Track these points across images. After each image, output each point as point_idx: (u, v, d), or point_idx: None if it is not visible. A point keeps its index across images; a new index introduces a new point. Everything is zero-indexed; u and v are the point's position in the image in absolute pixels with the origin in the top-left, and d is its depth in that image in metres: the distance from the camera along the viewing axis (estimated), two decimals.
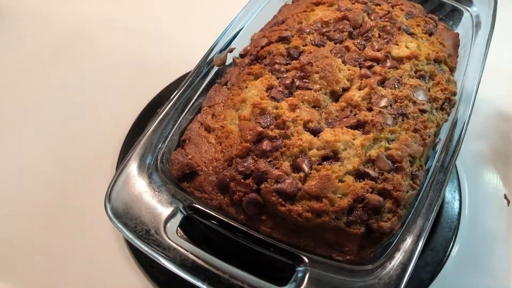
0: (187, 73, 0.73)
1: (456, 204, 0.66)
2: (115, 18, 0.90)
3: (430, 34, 0.60)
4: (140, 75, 0.80)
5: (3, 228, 0.62)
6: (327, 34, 0.57)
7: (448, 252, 0.61)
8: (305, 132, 0.49)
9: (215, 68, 0.58)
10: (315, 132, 0.49)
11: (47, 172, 0.68)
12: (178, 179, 0.49)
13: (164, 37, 0.87)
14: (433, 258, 0.61)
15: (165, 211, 0.44)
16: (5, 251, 0.60)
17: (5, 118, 0.74)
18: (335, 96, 0.53)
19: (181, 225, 0.43)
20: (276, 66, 0.54)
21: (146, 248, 0.42)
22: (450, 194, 0.67)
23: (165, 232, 0.42)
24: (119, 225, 0.42)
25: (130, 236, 0.42)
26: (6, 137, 0.72)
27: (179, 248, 0.41)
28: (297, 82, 0.52)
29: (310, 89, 0.52)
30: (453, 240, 0.63)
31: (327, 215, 0.44)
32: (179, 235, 0.43)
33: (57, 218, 0.63)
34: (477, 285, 0.61)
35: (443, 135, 0.53)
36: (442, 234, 0.63)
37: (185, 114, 0.54)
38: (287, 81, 0.52)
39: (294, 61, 0.54)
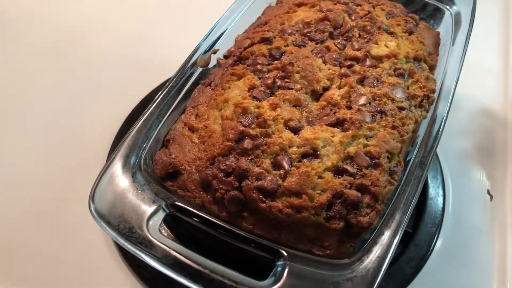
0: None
1: (440, 200, 0.67)
2: (105, 20, 0.91)
3: (410, 33, 0.61)
4: (130, 77, 0.81)
5: None
6: (308, 34, 0.58)
7: (431, 247, 0.63)
8: (286, 130, 0.50)
9: (199, 69, 0.59)
10: (296, 130, 0.50)
11: (36, 172, 0.68)
12: (161, 178, 0.50)
13: (154, 39, 0.88)
14: (417, 254, 0.62)
15: (148, 209, 0.45)
16: None
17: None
18: (315, 95, 0.54)
19: (166, 223, 0.44)
20: (258, 67, 0.55)
21: (129, 246, 0.43)
22: (433, 190, 0.68)
23: (147, 230, 0.43)
24: (102, 223, 0.43)
25: (113, 234, 0.43)
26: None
27: (161, 245, 0.42)
28: (279, 82, 0.53)
29: (291, 89, 0.53)
30: (436, 235, 0.64)
31: (307, 210, 0.45)
32: (164, 233, 0.44)
33: (47, 219, 0.64)
34: (460, 279, 0.62)
35: (422, 131, 0.54)
36: (426, 230, 0.64)
37: (169, 115, 0.54)
38: (269, 81, 0.53)
39: (276, 62, 0.55)
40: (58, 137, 0.73)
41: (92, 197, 0.45)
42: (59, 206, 0.65)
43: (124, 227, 0.43)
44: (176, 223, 0.57)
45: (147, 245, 0.42)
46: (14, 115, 0.76)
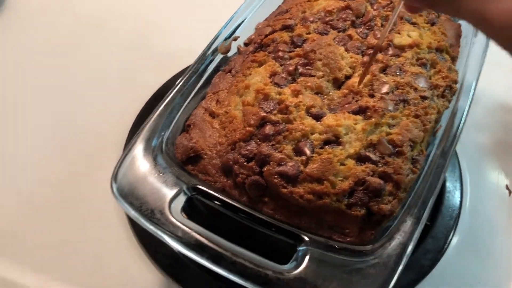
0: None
1: (457, 194, 0.67)
2: (119, 9, 0.91)
3: (432, 24, 0.61)
4: (147, 65, 0.81)
5: (13, 215, 0.63)
6: (330, 23, 0.58)
7: (449, 240, 0.62)
8: (308, 117, 0.50)
9: (220, 56, 0.59)
10: (318, 117, 0.50)
11: (55, 160, 0.69)
12: (182, 162, 0.50)
13: (170, 28, 0.88)
14: (434, 246, 0.61)
15: (169, 191, 0.45)
16: (14, 237, 0.62)
17: (14, 108, 0.75)
18: (337, 84, 0.54)
19: (184, 207, 0.44)
20: (280, 54, 0.55)
21: (151, 227, 0.43)
22: (451, 183, 0.67)
23: (170, 212, 0.43)
24: (124, 203, 0.43)
25: (136, 215, 0.43)
26: (16, 127, 0.73)
27: (183, 226, 0.42)
28: (300, 69, 0.53)
29: (313, 76, 0.52)
30: (454, 228, 0.63)
31: (328, 197, 0.45)
32: (183, 215, 0.44)
33: (64, 205, 0.64)
34: (477, 273, 0.62)
35: (444, 122, 0.53)
36: (443, 223, 0.63)
37: (190, 100, 0.54)
38: (290, 68, 0.53)
39: (298, 49, 0.55)
40: (76, 125, 0.73)
41: (114, 178, 0.45)
42: (75, 193, 0.65)
43: (146, 209, 0.43)
44: (192, 210, 0.57)
45: (169, 227, 0.42)
46: (34, 103, 0.76)
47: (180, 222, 0.43)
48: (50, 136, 0.72)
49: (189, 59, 0.76)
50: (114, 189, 0.44)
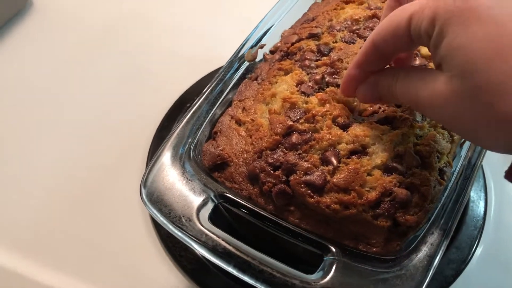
0: (216, 69, 0.75)
1: (482, 203, 0.66)
2: (145, 12, 0.93)
3: None
4: (171, 70, 0.82)
5: (39, 216, 0.65)
6: (357, 31, 0.58)
7: (473, 251, 0.62)
8: (334, 126, 0.50)
9: (246, 64, 0.59)
10: (344, 127, 0.50)
11: (81, 163, 0.70)
12: (209, 169, 0.51)
13: (194, 32, 0.89)
14: (458, 256, 0.61)
15: (197, 199, 0.46)
16: (40, 238, 0.63)
17: (41, 112, 0.77)
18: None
19: (210, 214, 0.45)
20: (307, 62, 0.55)
21: (179, 234, 0.43)
22: (475, 193, 0.67)
23: (198, 219, 0.44)
24: (153, 210, 0.44)
25: (164, 221, 0.44)
26: (43, 131, 0.75)
27: (210, 234, 0.43)
28: (327, 78, 0.53)
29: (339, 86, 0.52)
30: (478, 238, 0.63)
31: (355, 207, 0.45)
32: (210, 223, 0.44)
33: (89, 207, 0.66)
34: (502, 284, 0.61)
35: None
36: (467, 233, 0.63)
37: (216, 108, 0.55)
38: (317, 77, 0.53)
39: (324, 58, 0.55)
40: (101, 128, 0.74)
41: (143, 184, 0.46)
42: (100, 197, 0.67)
43: (174, 215, 0.44)
44: (217, 217, 0.58)
45: (197, 234, 0.43)
46: (61, 108, 0.78)
47: (208, 230, 0.43)
48: (76, 137, 0.73)
49: (214, 65, 0.78)
50: (143, 195, 0.45)
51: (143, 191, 0.45)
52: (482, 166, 0.70)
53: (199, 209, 0.45)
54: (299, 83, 0.53)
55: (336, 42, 0.57)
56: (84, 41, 0.87)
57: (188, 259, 0.59)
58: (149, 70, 0.82)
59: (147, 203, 0.45)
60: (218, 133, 0.53)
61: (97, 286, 0.59)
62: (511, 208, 0.68)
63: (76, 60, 0.84)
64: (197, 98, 0.54)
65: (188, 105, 0.74)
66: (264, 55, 0.60)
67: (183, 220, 0.44)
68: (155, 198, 0.45)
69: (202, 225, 0.43)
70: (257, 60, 0.61)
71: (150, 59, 0.84)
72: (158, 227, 0.62)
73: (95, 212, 0.65)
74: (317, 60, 0.55)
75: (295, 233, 0.46)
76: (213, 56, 0.73)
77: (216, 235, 0.43)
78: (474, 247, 0.62)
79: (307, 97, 0.52)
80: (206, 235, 0.42)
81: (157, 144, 0.69)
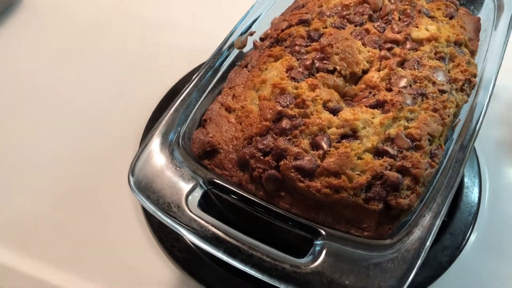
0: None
1: (476, 190, 0.66)
2: (134, 6, 0.92)
3: (451, 18, 0.60)
4: (161, 63, 0.81)
5: (32, 205, 0.64)
6: (347, 17, 0.57)
7: (467, 237, 0.61)
8: (325, 111, 0.49)
9: (236, 51, 0.59)
10: (335, 111, 0.49)
11: (73, 156, 0.70)
12: (199, 157, 0.50)
13: (186, 25, 0.88)
14: (452, 242, 0.61)
15: (186, 185, 0.45)
16: (32, 228, 0.62)
17: (32, 106, 0.76)
18: (354, 78, 0.53)
19: (200, 201, 0.44)
20: (296, 48, 0.54)
21: (168, 220, 0.43)
22: (469, 179, 0.66)
23: (187, 205, 0.43)
24: (141, 197, 0.44)
25: (153, 208, 0.43)
26: (34, 125, 0.74)
27: (200, 220, 0.42)
28: (317, 63, 0.53)
29: (331, 71, 0.52)
30: (472, 224, 0.62)
31: (346, 191, 0.45)
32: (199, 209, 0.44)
33: (82, 200, 0.65)
34: (495, 270, 0.61)
35: (463, 116, 0.53)
36: (462, 219, 0.63)
37: (206, 95, 0.55)
38: (307, 62, 0.53)
39: (315, 43, 0.55)
40: (93, 120, 0.74)
41: (131, 171, 0.45)
42: (93, 185, 0.66)
43: (163, 202, 0.43)
44: (208, 204, 0.57)
45: (186, 220, 0.42)
46: (53, 101, 0.77)
47: (197, 216, 0.43)
48: (67, 130, 0.73)
49: (205, 55, 0.77)
50: (131, 183, 0.45)
51: (131, 178, 0.45)
52: (476, 153, 0.70)
53: (188, 195, 0.44)
54: (289, 69, 0.53)
55: (326, 27, 0.56)
56: (75, 35, 0.87)
57: (180, 249, 0.59)
58: (141, 63, 0.82)
59: (135, 190, 0.44)
60: (208, 121, 0.53)
61: (88, 277, 0.58)
62: (505, 195, 0.67)
63: (67, 55, 0.84)
64: (186, 86, 0.53)
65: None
66: (254, 42, 0.60)
67: (172, 206, 0.43)
68: (144, 186, 0.45)
69: (191, 211, 0.43)
70: (247, 48, 0.60)
71: (142, 52, 0.84)
72: (150, 218, 0.61)
73: (88, 204, 0.65)
74: (307, 46, 0.55)
75: (286, 218, 0.45)
76: (206, 48, 0.72)
77: (205, 221, 0.42)
78: (469, 233, 0.62)
79: (297, 82, 0.52)
80: (195, 221, 0.42)
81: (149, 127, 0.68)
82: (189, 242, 0.59)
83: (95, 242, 0.62)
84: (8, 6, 0.88)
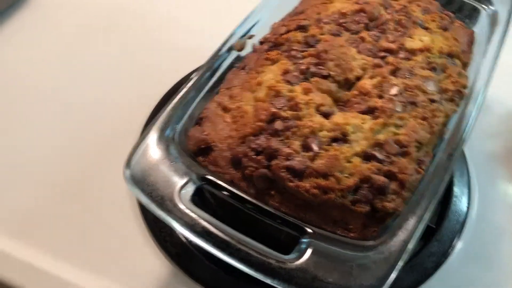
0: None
1: (465, 199, 0.67)
2: (143, 3, 0.94)
3: (445, 30, 0.61)
4: (165, 61, 0.83)
5: (29, 198, 0.66)
6: (343, 25, 0.59)
7: (453, 244, 0.63)
8: (317, 114, 0.51)
9: (234, 54, 0.60)
10: (327, 115, 0.51)
11: (71, 150, 0.71)
12: (194, 153, 0.52)
13: (190, 25, 0.90)
14: (439, 249, 0.62)
15: (179, 180, 0.47)
16: (29, 219, 0.64)
17: (36, 100, 0.78)
18: (348, 84, 0.55)
19: (194, 198, 0.46)
20: (293, 53, 0.56)
21: (160, 212, 0.44)
22: (459, 189, 0.68)
23: (179, 199, 0.45)
24: (136, 189, 0.45)
25: (146, 200, 0.45)
26: (39, 119, 0.76)
27: (191, 213, 0.44)
28: (312, 68, 0.54)
29: (325, 76, 0.54)
30: (459, 233, 0.64)
31: (333, 192, 0.46)
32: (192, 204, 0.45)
33: (79, 195, 0.67)
34: (481, 279, 0.62)
35: (452, 126, 0.54)
36: (449, 227, 0.64)
37: (204, 95, 0.56)
38: (303, 67, 0.54)
39: (311, 49, 0.56)
40: (93, 116, 0.75)
41: (127, 164, 0.47)
42: (90, 182, 0.68)
43: (156, 195, 0.45)
44: (202, 201, 0.59)
45: (177, 213, 0.44)
46: (54, 96, 0.79)
47: (189, 209, 0.44)
48: (68, 124, 0.74)
49: (204, 57, 0.78)
50: (127, 175, 0.46)
51: (126, 171, 0.46)
52: (467, 162, 0.71)
53: (181, 190, 0.46)
54: (285, 72, 0.55)
55: (323, 34, 0.58)
56: (78, 33, 0.88)
57: (173, 244, 0.60)
58: (143, 61, 0.83)
59: (130, 182, 0.46)
60: (204, 119, 0.55)
61: (82, 269, 0.60)
62: (494, 205, 0.69)
63: (70, 51, 0.85)
64: (184, 84, 0.55)
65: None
66: (253, 46, 0.61)
67: (165, 199, 0.45)
68: (139, 178, 0.46)
69: (183, 205, 0.44)
70: (245, 51, 0.62)
71: (144, 50, 0.85)
72: (144, 212, 0.63)
73: (84, 198, 0.66)
74: (303, 51, 0.56)
75: (274, 215, 0.47)
76: (204, 48, 0.74)
77: (197, 214, 0.44)
78: (455, 241, 0.63)
79: (292, 86, 0.53)
80: (187, 214, 0.43)
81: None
82: (182, 238, 0.60)
83: (89, 234, 0.63)
84: (12, 4, 0.90)
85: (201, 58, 0.78)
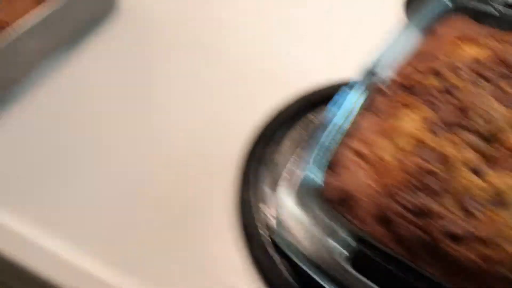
0: (312, 92, 0.73)
1: None
2: (247, 27, 0.89)
3: None
4: (262, 89, 0.78)
5: (117, 215, 0.63)
6: (481, 73, 0.56)
7: None
8: (469, 171, 0.48)
9: (358, 94, 0.57)
10: (478, 174, 0.48)
11: (164, 169, 0.68)
12: (332, 204, 0.48)
13: (291, 54, 0.85)
14: None
15: (333, 242, 0.43)
16: (117, 239, 0.60)
17: (126, 120, 0.74)
18: (491, 140, 0.52)
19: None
20: (432, 100, 0.53)
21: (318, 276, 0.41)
22: None
23: (339, 262, 0.41)
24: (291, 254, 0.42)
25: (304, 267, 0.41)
26: (133, 138, 0.72)
27: (363, 279, 0.40)
28: (455, 120, 0.51)
29: (471, 129, 0.51)
30: None
31: (499, 263, 0.43)
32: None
33: (180, 220, 0.63)
34: None
35: None
36: None
37: (333, 137, 0.53)
38: (446, 117, 0.51)
39: (451, 97, 0.53)
40: (190, 135, 0.72)
41: (279, 224, 0.43)
42: (192, 208, 0.64)
43: (318, 260, 0.41)
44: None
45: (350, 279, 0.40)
46: (147, 110, 0.76)
47: (352, 274, 0.41)
48: (161, 140, 0.71)
49: (304, 87, 0.75)
50: (278, 238, 0.43)
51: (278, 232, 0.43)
52: None
53: (338, 251, 0.42)
54: (426, 121, 0.51)
55: (460, 81, 0.55)
56: (170, 52, 0.83)
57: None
58: (244, 87, 0.79)
59: (282, 245, 0.42)
60: (337, 164, 0.51)
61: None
62: None
63: (165, 67, 0.81)
64: (313, 128, 0.52)
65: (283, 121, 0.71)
66: (378, 86, 0.58)
67: (323, 262, 0.41)
68: (289, 240, 0.43)
69: (344, 269, 0.41)
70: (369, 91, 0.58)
71: (246, 68, 0.80)
72: (251, 246, 0.58)
73: (185, 227, 0.62)
74: (443, 99, 0.53)
75: (434, 283, 0.43)
76: (312, 80, 0.70)
77: (359, 279, 0.41)
78: None
79: (437, 137, 0.50)
80: (361, 280, 0.40)
81: (249, 160, 0.66)
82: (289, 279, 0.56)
83: (180, 256, 0.59)
84: (103, 16, 0.85)
85: (302, 87, 0.74)
